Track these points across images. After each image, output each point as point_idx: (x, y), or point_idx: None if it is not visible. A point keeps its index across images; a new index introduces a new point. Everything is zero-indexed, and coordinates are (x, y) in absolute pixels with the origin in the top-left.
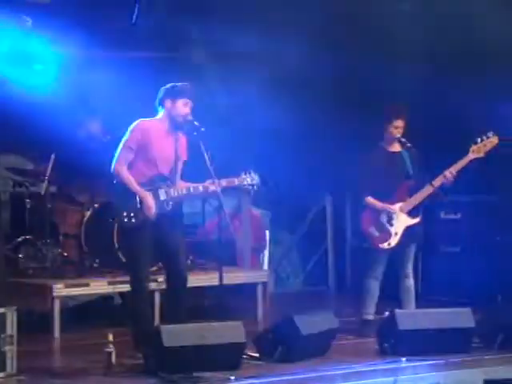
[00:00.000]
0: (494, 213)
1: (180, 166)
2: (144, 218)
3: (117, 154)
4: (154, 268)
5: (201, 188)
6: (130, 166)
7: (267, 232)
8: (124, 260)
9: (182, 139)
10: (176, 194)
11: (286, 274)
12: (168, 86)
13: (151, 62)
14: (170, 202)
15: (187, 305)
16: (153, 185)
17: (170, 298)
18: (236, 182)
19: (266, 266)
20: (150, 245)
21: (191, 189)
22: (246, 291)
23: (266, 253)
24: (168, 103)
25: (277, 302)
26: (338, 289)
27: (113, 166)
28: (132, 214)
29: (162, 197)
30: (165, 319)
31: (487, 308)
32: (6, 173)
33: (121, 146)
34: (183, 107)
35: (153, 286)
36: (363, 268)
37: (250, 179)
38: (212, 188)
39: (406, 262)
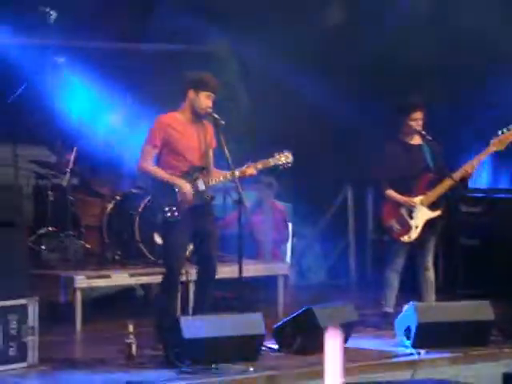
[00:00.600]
0: None
1: (211, 153)
2: (185, 211)
3: (141, 153)
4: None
5: (237, 173)
6: (161, 163)
7: (290, 225)
8: (146, 252)
9: (209, 127)
10: (214, 182)
11: (308, 266)
12: (193, 75)
13: (172, 54)
14: (210, 192)
15: (213, 296)
16: (189, 177)
17: (198, 288)
18: (271, 162)
19: (288, 259)
20: (188, 237)
21: (228, 175)
22: (267, 283)
23: (289, 245)
24: (191, 93)
25: (298, 294)
26: (359, 281)
27: (138, 166)
28: (174, 208)
29: (201, 187)
30: (193, 310)
31: (506, 301)
32: (29, 165)
33: (144, 144)
34: (205, 99)
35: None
36: (384, 261)
37: (285, 158)
38: (249, 172)
39: (427, 255)
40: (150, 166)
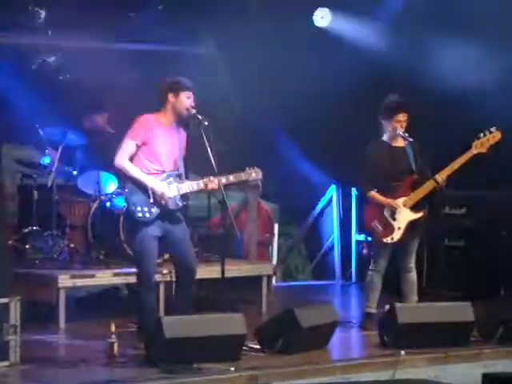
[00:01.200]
0: (498, 207)
1: (181, 161)
2: (156, 212)
3: (120, 148)
4: (159, 260)
5: (202, 185)
6: (135, 162)
7: (276, 225)
8: (131, 253)
9: (184, 135)
10: (188, 189)
11: (294, 266)
12: (167, 80)
13: (157, 54)
14: (181, 199)
15: (192, 297)
16: (163, 181)
17: (178, 289)
18: (243, 176)
19: (274, 259)
20: (158, 238)
21: (201, 184)
22: (253, 283)
23: (275, 246)
24: (171, 97)
25: (284, 294)
26: (343, 282)
27: (116, 160)
28: (145, 209)
29: (173, 193)
30: (173, 310)
31: (488, 302)
32: (15, 165)
33: (125, 140)
34: (186, 100)
35: (157, 277)
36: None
37: (255, 174)
38: (211, 186)
39: (409, 256)
40: (127, 163)
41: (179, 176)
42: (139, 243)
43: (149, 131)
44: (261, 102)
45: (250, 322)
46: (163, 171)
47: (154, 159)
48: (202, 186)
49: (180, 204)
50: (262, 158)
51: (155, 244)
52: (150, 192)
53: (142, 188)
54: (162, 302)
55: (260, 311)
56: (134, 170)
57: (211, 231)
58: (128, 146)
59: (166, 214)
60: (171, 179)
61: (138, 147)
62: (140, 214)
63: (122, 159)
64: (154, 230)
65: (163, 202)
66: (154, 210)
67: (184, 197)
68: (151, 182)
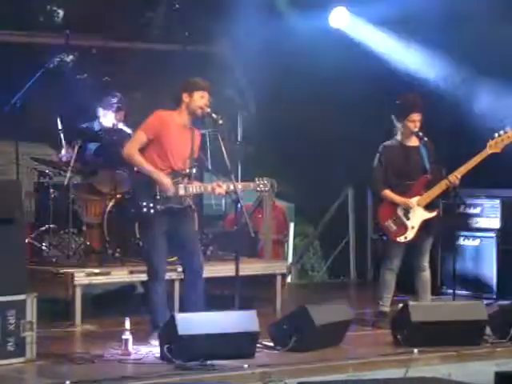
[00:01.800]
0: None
1: (193, 162)
2: (162, 208)
3: (132, 139)
4: (174, 258)
5: (209, 189)
6: (144, 156)
7: (291, 224)
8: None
9: (198, 136)
10: (194, 190)
11: (309, 265)
12: (184, 80)
13: (170, 55)
14: (188, 199)
15: (203, 294)
16: (172, 179)
17: (186, 288)
18: (251, 186)
19: (290, 258)
20: (166, 235)
21: (209, 188)
22: (268, 281)
23: (291, 245)
24: (185, 96)
25: (299, 293)
26: (358, 280)
27: (125, 149)
28: (151, 204)
29: (181, 192)
30: (184, 309)
31: (502, 301)
32: (32, 163)
33: (137, 131)
34: (200, 99)
35: (173, 275)
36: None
37: (263, 185)
38: (218, 191)
39: (423, 255)
40: (136, 154)
41: (188, 176)
42: (147, 238)
43: (162, 127)
44: (275, 102)
45: (265, 319)
46: (172, 169)
47: (163, 156)
48: (209, 189)
49: (185, 203)
50: (278, 158)
51: (163, 240)
52: (156, 187)
53: (149, 183)
54: (177, 300)
55: (274, 309)
56: (141, 162)
57: (226, 229)
58: (139, 138)
59: (174, 212)
60: (179, 178)
61: (149, 141)
62: (145, 210)
63: (131, 149)
64: (161, 226)
65: (168, 194)
66: (159, 206)
67: (194, 197)
68: (158, 174)
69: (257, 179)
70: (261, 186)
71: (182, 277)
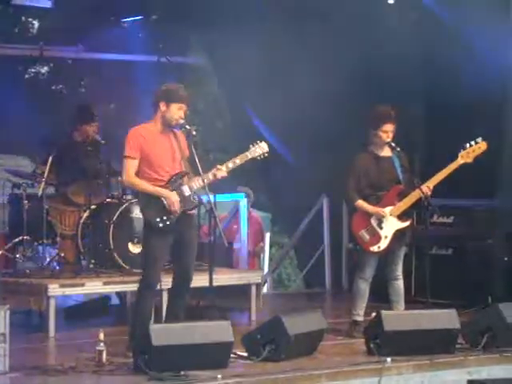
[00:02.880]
0: (485, 216)
1: (186, 161)
2: (175, 217)
3: (123, 167)
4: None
5: (211, 176)
6: (140, 175)
7: (268, 234)
8: (120, 261)
9: (181, 136)
10: (198, 185)
11: (285, 275)
12: (163, 87)
13: (149, 65)
14: (195, 196)
15: (185, 307)
16: (174, 185)
17: (172, 296)
18: (248, 155)
19: (265, 268)
20: (170, 245)
21: (210, 176)
22: (243, 292)
23: (266, 254)
24: (162, 105)
25: (274, 303)
26: (334, 290)
27: (124, 180)
28: (165, 217)
29: (187, 193)
30: (166, 319)
31: (475, 309)
32: (5, 174)
33: (124, 158)
34: (177, 111)
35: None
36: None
37: (260, 149)
38: (220, 174)
39: (396, 264)
40: (135, 179)
41: (187, 175)
42: (152, 249)
43: (144, 143)
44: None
45: (239, 329)
46: (170, 176)
47: (156, 168)
48: (211, 178)
49: (195, 202)
50: (253, 168)
51: (167, 253)
52: (163, 199)
53: (156, 197)
54: (164, 310)
55: (249, 319)
56: (143, 185)
57: (201, 240)
58: (130, 163)
59: (182, 218)
60: (180, 181)
61: (138, 160)
62: (161, 225)
63: (130, 177)
64: (170, 238)
65: (176, 210)
66: (172, 216)
67: (197, 193)
68: (162, 192)
69: (251, 145)
70: (257, 150)
71: (170, 286)
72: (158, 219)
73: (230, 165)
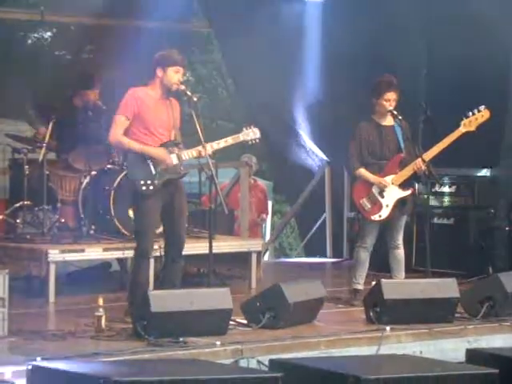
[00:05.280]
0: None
1: (178, 131)
2: (159, 183)
3: (113, 124)
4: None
5: (196, 153)
6: (130, 137)
7: (270, 203)
8: (120, 227)
9: (176, 105)
10: (187, 156)
11: (287, 243)
12: (158, 53)
13: (153, 32)
14: (182, 167)
15: (181, 272)
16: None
17: (166, 263)
18: (241, 137)
19: (268, 236)
20: (159, 210)
21: (200, 150)
22: (244, 260)
23: (269, 223)
24: (159, 72)
25: (275, 271)
26: (335, 259)
27: (110, 137)
28: (149, 182)
29: (174, 161)
30: (162, 285)
31: (475, 279)
32: (5, 139)
33: (116, 115)
34: (174, 74)
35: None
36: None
37: (253, 133)
38: (204, 153)
39: (397, 233)
40: (122, 138)
41: (177, 145)
42: (141, 216)
43: (139, 104)
44: (254, 80)
45: (239, 297)
46: (161, 142)
47: (148, 132)
48: (194, 154)
49: (182, 172)
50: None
51: (157, 217)
52: (150, 163)
53: (143, 160)
54: (152, 277)
55: (249, 287)
56: (130, 143)
57: (202, 207)
58: (120, 121)
59: (169, 184)
60: (170, 148)
61: (130, 121)
62: (144, 188)
63: (116, 135)
64: (157, 203)
65: (164, 167)
66: (157, 181)
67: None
68: (149, 149)
69: (244, 128)
70: (250, 134)
71: (157, 254)
72: (142, 182)
73: (222, 144)
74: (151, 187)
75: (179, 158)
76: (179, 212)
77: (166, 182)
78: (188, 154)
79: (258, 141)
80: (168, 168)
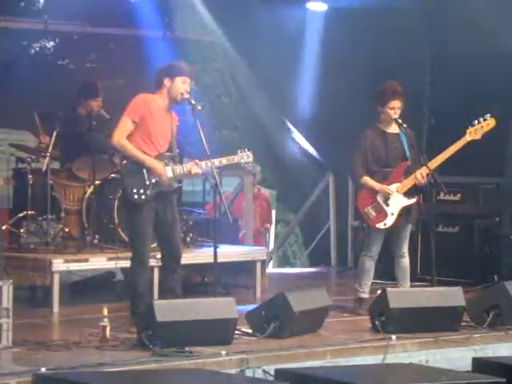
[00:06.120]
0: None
1: (176, 144)
2: (152, 194)
3: (118, 126)
4: (154, 244)
5: (186, 169)
6: (130, 142)
7: (273, 211)
8: (125, 236)
9: (175, 118)
10: (181, 171)
11: (291, 252)
12: (165, 64)
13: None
14: (176, 181)
15: (180, 281)
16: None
17: (165, 274)
18: (235, 159)
19: (271, 245)
20: (152, 221)
21: (184, 169)
22: (248, 269)
23: (272, 232)
24: (167, 81)
25: (279, 280)
26: (339, 267)
27: (114, 138)
28: (141, 191)
29: (169, 174)
30: (161, 295)
31: (480, 287)
32: (9, 149)
33: (123, 118)
34: (182, 85)
35: (152, 262)
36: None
37: (246, 156)
38: (194, 171)
39: (402, 241)
40: (126, 141)
41: (173, 158)
42: (134, 225)
43: (146, 109)
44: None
45: (244, 306)
46: (158, 152)
47: (148, 140)
48: (184, 171)
49: (174, 185)
50: (260, 144)
51: (150, 226)
52: (145, 173)
53: (138, 169)
54: (156, 287)
55: (254, 296)
56: (133, 150)
57: (206, 216)
58: (125, 124)
59: (161, 196)
60: (166, 161)
61: (136, 125)
62: (136, 196)
63: (120, 138)
64: (149, 213)
65: (161, 180)
66: (150, 191)
67: (178, 179)
68: (149, 160)
69: (239, 151)
70: (244, 157)
71: (161, 264)
72: (134, 190)
73: (217, 162)
74: (143, 196)
75: (174, 171)
76: (172, 224)
77: (158, 193)
78: (181, 169)
79: (250, 165)
80: (162, 181)
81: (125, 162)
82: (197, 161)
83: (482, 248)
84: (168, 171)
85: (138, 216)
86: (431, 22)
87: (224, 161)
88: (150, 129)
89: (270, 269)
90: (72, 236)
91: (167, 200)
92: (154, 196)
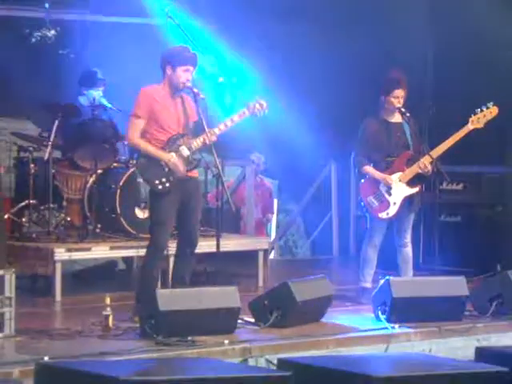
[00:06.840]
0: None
1: (191, 126)
2: (175, 180)
3: (129, 126)
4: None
5: (201, 140)
6: (145, 134)
7: (276, 201)
8: (127, 227)
9: (188, 99)
10: (197, 145)
11: (293, 241)
12: (167, 51)
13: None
14: (194, 157)
15: (192, 269)
16: (172, 146)
17: (178, 261)
18: (247, 112)
19: (273, 234)
20: (176, 208)
21: (209, 135)
22: (250, 258)
23: (274, 221)
24: (169, 70)
25: (281, 269)
26: (341, 257)
27: (128, 139)
28: (164, 180)
29: (185, 153)
30: (171, 282)
31: (484, 276)
32: (11, 138)
33: (131, 116)
34: (183, 73)
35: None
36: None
37: (259, 105)
38: (209, 140)
39: (405, 231)
40: (139, 140)
41: (183, 136)
42: (158, 212)
43: (152, 103)
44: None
45: (246, 296)
46: (172, 136)
47: (161, 129)
48: (200, 141)
49: (195, 161)
50: (261, 134)
51: (173, 215)
52: (163, 162)
53: (156, 161)
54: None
55: (256, 285)
56: (147, 147)
57: (208, 206)
58: (136, 123)
59: (183, 182)
60: (179, 142)
61: (145, 119)
62: (160, 187)
63: (134, 138)
64: (175, 198)
65: (181, 171)
66: (172, 177)
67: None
68: (164, 155)
69: (250, 103)
70: (257, 106)
71: (175, 251)
72: (157, 181)
73: (229, 123)
74: (167, 184)
75: (189, 148)
76: (193, 212)
77: (180, 179)
78: (198, 143)
79: (267, 111)
80: (182, 162)
81: (140, 158)
82: (209, 130)
83: (484, 237)
84: (183, 150)
85: (164, 203)
86: (434, 12)
87: (236, 117)
88: (160, 118)
89: (272, 258)
90: (74, 225)
91: (192, 185)
92: (177, 183)
